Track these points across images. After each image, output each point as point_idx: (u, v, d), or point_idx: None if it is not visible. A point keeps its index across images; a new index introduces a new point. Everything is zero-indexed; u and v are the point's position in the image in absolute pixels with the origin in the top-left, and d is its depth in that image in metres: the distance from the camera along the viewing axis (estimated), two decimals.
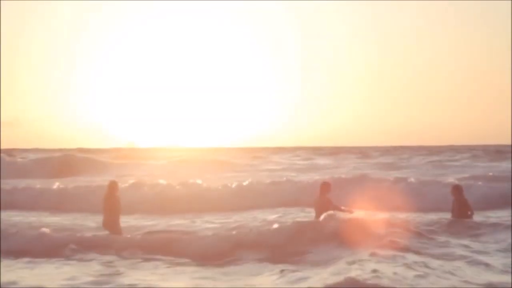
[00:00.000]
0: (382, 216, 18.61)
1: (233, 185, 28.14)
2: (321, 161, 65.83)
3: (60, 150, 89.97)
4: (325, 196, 17.03)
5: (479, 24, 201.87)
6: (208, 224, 20.23)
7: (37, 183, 31.78)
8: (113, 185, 17.06)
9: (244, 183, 28.40)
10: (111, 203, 16.83)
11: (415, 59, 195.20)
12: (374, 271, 10.17)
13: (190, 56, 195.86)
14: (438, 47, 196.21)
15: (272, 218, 21.61)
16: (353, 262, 11.22)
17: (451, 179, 29.42)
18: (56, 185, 28.75)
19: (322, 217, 15.94)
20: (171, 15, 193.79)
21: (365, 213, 19.43)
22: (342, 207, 17.24)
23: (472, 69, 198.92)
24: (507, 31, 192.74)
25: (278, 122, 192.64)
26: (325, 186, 17.22)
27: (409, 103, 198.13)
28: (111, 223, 16.72)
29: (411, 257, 11.98)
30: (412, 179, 28.82)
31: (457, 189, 17.80)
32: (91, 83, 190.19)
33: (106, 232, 16.52)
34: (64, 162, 46.61)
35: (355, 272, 10.19)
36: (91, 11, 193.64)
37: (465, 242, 14.50)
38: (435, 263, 11.69)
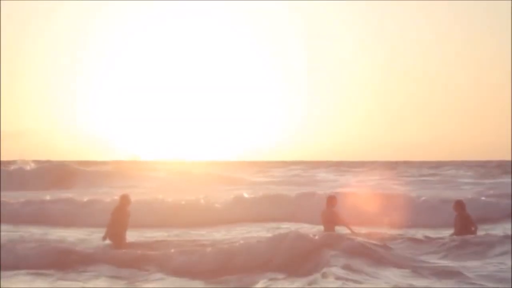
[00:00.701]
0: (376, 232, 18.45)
1: (222, 200, 27.99)
2: (322, 174, 65.59)
3: (62, 162, 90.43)
4: (332, 209, 17.41)
5: (488, 37, 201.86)
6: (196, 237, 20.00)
7: (33, 195, 31.49)
8: (124, 199, 17.18)
9: (233, 197, 28.28)
10: (120, 216, 16.87)
11: (422, 72, 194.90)
12: None
13: (195, 68, 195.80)
14: (449, 56, 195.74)
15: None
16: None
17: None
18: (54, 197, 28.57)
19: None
20: (172, 26, 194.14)
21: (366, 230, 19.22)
22: (350, 225, 17.48)
23: (480, 84, 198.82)
24: None
25: (283, 136, 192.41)
26: (332, 199, 17.64)
27: (417, 116, 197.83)
28: (116, 236, 16.71)
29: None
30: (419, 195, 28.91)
31: (459, 205, 17.81)
32: (94, 95, 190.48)
33: (108, 243, 16.59)
34: (60, 174, 46.47)
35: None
36: (91, 19, 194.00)
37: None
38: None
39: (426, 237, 16.91)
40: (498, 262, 13.66)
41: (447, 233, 18.19)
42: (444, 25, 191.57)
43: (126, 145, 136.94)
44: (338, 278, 10.81)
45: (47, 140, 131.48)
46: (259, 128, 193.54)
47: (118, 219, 16.86)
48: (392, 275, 11.73)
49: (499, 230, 21.09)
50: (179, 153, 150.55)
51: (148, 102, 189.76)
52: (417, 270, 12.30)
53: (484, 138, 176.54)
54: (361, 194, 28.36)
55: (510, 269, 12.52)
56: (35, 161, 53.35)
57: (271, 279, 12.11)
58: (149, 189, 37.54)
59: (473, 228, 17.35)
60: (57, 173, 46.51)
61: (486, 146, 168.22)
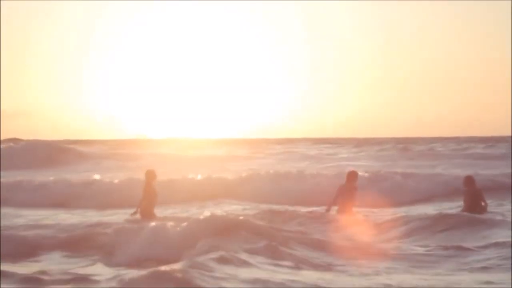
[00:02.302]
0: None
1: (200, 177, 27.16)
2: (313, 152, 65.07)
3: (67, 141, 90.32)
4: (352, 184, 17.60)
5: (483, 23, 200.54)
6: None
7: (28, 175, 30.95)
8: (149, 174, 17.66)
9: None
10: (146, 192, 17.42)
11: (420, 53, 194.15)
12: None
13: (200, 48, 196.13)
14: (445, 43, 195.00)
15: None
16: None
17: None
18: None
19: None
20: (182, 9, 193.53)
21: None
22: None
23: (474, 64, 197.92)
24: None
25: (286, 113, 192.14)
26: (352, 174, 17.82)
27: (414, 96, 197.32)
28: (147, 212, 17.26)
29: None
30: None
31: (469, 180, 17.62)
32: (100, 75, 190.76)
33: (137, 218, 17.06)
34: (47, 153, 46.01)
35: None
36: (105, 5, 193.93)
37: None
38: None
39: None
40: None
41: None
42: (446, 12, 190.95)
43: (133, 124, 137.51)
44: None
45: (53, 119, 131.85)
46: (262, 107, 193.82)
47: (144, 195, 17.44)
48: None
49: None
50: (185, 132, 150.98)
51: (154, 84, 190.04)
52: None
53: (487, 114, 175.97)
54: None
55: None
56: (37, 141, 53.22)
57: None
58: (130, 168, 36.99)
59: (483, 203, 17.15)
60: (43, 153, 45.93)
61: (491, 122, 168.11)
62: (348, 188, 17.51)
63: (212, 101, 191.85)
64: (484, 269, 10.51)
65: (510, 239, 12.28)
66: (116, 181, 26.45)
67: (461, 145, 74.97)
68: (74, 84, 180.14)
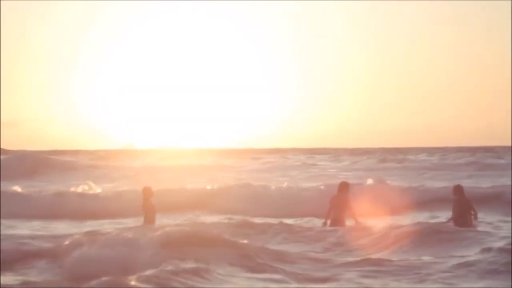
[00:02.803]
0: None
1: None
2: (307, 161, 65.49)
3: (55, 151, 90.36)
4: (345, 194, 17.57)
5: (478, 25, 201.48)
6: None
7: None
8: (146, 191, 17.63)
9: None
10: (145, 209, 17.49)
11: (413, 60, 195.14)
12: None
13: (188, 56, 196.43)
14: (437, 48, 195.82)
15: None
16: None
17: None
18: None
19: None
20: (169, 15, 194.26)
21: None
22: (357, 216, 17.58)
23: (470, 70, 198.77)
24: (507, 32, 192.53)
25: (277, 123, 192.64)
26: (344, 185, 17.77)
27: (408, 104, 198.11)
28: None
29: None
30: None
31: (458, 189, 17.63)
32: (89, 84, 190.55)
33: None
34: (30, 164, 46.17)
35: None
36: (90, 11, 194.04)
37: None
38: None
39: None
40: None
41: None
42: (439, 14, 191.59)
43: (122, 134, 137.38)
44: None
45: (40, 129, 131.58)
46: (251, 116, 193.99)
47: (143, 211, 17.56)
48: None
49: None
50: (173, 141, 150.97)
51: (141, 92, 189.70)
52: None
53: (479, 123, 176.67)
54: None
55: None
56: (22, 151, 53.32)
57: None
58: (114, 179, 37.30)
59: (472, 213, 17.28)
60: (29, 164, 46.11)
61: (482, 132, 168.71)
62: (340, 199, 17.53)
63: (201, 110, 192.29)
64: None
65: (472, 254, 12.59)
66: (97, 192, 26.99)
67: (446, 155, 75.65)
68: (62, 94, 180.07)
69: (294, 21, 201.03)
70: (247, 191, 26.74)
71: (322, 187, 26.66)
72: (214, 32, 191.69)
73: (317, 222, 18.63)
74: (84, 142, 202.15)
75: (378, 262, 12.04)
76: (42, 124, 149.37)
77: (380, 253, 13.88)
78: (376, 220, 19.73)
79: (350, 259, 12.64)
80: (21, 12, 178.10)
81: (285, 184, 29.15)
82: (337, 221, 17.27)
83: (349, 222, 17.59)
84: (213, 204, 25.28)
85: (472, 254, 12.47)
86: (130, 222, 20.64)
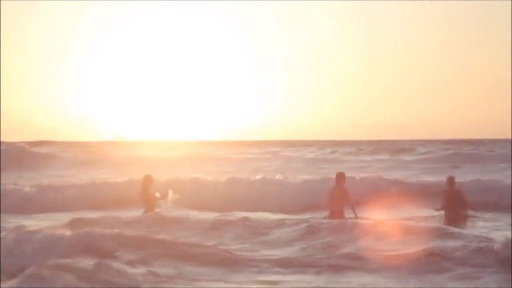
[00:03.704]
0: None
1: None
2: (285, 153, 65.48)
3: (43, 142, 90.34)
4: (341, 186, 17.53)
5: (465, 20, 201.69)
6: None
7: None
8: (145, 180, 17.93)
9: None
10: (144, 198, 17.84)
11: (403, 54, 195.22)
12: None
13: (176, 49, 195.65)
14: (426, 43, 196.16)
15: None
16: None
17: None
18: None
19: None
20: (156, 9, 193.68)
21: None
22: (355, 208, 17.47)
23: (458, 64, 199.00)
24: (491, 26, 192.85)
25: (266, 115, 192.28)
26: (341, 176, 17.72)
27: (397, 97, 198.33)
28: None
29: None
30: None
31: (449, 180, 18.00)
32: (78, 76, 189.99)
33: None
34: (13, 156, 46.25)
35: None
36: (82, 6, 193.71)
37: None
38: None
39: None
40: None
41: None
42: (426, 9, 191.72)
43: (111, 125, 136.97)
44: None
45: (26, 119, 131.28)
46: (240, 108, 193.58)
47: (143, 201, 17.91)
48: None
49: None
50: (163, 133, 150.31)
51: (130, 84, 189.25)
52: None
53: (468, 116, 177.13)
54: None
55: None
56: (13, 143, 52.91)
57: None
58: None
59: (462, 213, 17.50)
60: (11, 155, 45.67)
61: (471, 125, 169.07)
62: (338, 190, 17.49)
63: (191, 102, 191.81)
64: None
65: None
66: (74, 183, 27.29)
67: (427, 148, 75.77)
68: (49, 84, 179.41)
69: (283, 15, 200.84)
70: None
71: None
72: (202, 24, 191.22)
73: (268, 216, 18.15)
74: (71, 133, 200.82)
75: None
76: (26, 115, 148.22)
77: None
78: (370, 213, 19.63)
79: (266, 252, 12.70)
80: (12, 5, 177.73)
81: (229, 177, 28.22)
82: (335, 213, 17.22)
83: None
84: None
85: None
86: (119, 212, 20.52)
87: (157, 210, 17.88)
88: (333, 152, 69.97)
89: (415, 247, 12.08)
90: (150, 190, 17.94)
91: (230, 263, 11.61)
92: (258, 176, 27.38)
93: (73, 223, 16.35)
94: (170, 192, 18.23)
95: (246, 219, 16.20)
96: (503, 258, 11.08)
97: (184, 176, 27.75)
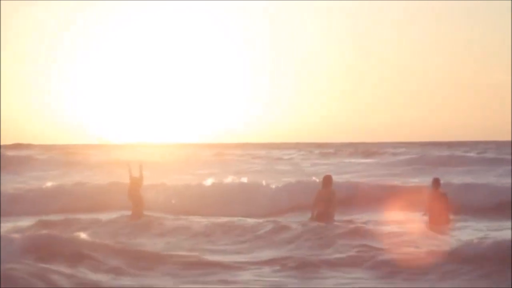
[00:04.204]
0: None
1: None
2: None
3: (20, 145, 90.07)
4: (329, 188, 17.60)
5: (453, 19, 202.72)
6: None
7: None
8: (133, 181, 18.38)
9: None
10: (132, 197, 18.34)
11: (390, 56, 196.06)
12: None
13: (159, 53, 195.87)
14: (412, 45, 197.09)
15: None
16: None
17: None
18: None
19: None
20: (139, 13, 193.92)
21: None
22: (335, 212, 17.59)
23: (445, 66, 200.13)
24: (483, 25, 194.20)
25: (249, 117, 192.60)
26: (328, 179, 17.80)
27: (383, 99, 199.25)
28: (138, 215, 18.07)
29: None
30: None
31: (434, 182, 17.82)
32: (63, 79, 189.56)
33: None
34: None
35: None
36: (70, 9, 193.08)
37: None
38: None
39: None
40: None
41: None
42: (417, 9, 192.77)
43: (95, 128, 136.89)
44: None
45: (8, 121, 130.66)
46: (223, 111, 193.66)
47: (132, 200, 18.43)
48: None
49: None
50: (145, 136, 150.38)
51: (113, 88, 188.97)
52: None
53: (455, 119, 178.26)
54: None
55: None
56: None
57: None
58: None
59: (445, 216, 17.23)
60: None
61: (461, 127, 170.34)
62: (325, 193, 17.51)
63: (174, 105, 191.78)
64: None
65: None
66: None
67: (410, 149, 76.26)
68: (28, 87, 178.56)
69: (269, 15, 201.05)
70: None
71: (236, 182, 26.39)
72: (185, 29, 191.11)
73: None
74: (55, 136, 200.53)
75: None
76: (8, 117, 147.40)
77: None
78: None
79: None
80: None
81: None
82: (323, 215, 17.21)
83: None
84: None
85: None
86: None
87: (145, 213, 18.36)
88: (310, 153, 70.19)
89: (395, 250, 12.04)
90: (140, 192, 18.39)
91: (199, 267, 11.40)
92: (241, 179, 27.21)
93: (36, 226, 16.31)
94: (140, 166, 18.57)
95: (223, 223, 16.18)
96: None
97: (164, 180, 27.50)
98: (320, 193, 17.58)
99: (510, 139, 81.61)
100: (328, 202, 17.35)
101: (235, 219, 18.10)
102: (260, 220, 17.25)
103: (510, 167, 37.79)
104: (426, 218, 17.58)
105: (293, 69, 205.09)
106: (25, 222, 18.55)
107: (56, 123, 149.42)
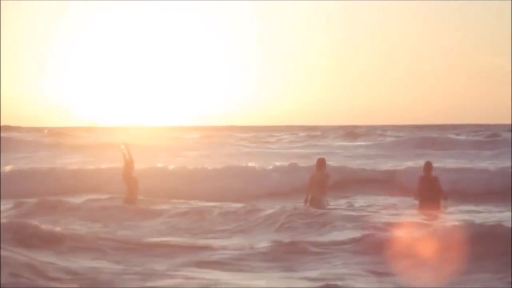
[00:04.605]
0: None
1: None
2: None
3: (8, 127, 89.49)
4: (323, 171, 17.58)
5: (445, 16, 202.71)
6: None
7: None
8: (126, 164, 18.36)
9: None
10: (126, 181, 18.28)
11: (378, 42, 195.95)
12: None
13: (151, 37, 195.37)
14: (403, 27, 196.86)
15: None
16: None
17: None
18: None
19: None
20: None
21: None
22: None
23: (435, 49, 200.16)
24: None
25: (240, 100, 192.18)
26: (322, 162, 17.75)
27: (373, 83, 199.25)
28: (133, 199, 18.12)
29: None
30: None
31: (426, 166, 17.52)
32: (51, 62, 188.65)
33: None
34: None
35: None
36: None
37: None
38: None
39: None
40: None
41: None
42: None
43: (85, 111, 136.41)
44: None
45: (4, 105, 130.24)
46: (214, 94, 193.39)
47: (126, 183, 18.36)
48: None
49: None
50: (137, 119, 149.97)
51: (104, 71, 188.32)
52: None
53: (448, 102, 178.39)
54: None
55: None
56: None
57: None
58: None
59: (436, 201, 17.00)
60: None
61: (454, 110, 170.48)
62: (319, 175, 17.45)
63: (165, 89, 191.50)
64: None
65: None
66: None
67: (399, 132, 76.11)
68: (22, 70, 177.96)
69: (259, 4, 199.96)
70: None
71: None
72: (177, 14, 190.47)
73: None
74: (44, 119, 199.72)
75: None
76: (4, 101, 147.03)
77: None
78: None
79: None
80: None
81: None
82: (317, 199, 17.18)
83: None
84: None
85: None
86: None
87: (139, 197, 18.33)
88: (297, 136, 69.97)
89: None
90: (133, 173, 18.33)
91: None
92: (230, 163, 27.04)
93: (14, 208, 16.27)
94: (122, 146, 18.73)
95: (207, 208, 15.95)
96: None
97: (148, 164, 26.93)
98: (314, 175, 17.51)
99: (501, 122, 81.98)
100: (320, 185, 17.27)
101: (226, 203, 17.92)
102: (248, 205, 17.05)
103: (501, 150, 37.91)
104: (417, 202, 17.41)
105: (280, 52, 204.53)
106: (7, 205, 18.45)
107: (45, 105, 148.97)
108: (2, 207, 17.47)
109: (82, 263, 9.75)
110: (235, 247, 11.67)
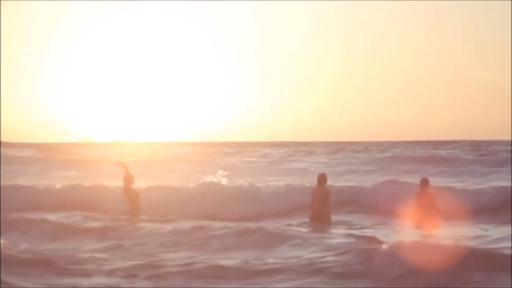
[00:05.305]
0: None
1: None
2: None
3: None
4: (323, 186, 17.60)
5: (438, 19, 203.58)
6: None
7: None
8: (126, 180, 18.88)
9: None
10: (127, 196, 18.87)
11: (377, 54, 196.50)
12: None
13: (145, 51, 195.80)
14: (401, 43, 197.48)
15: None
16: None
17: None
18: None
19: None
20: (123, 10, 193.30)
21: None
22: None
23: (432, 65, 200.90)
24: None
25: (236, 116, 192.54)
26: (323, 177, 17.74)
27: (370, 98, 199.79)
28: (134, 212, 18.58)
29: None
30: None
31: (423, 182, 17.54)
32: (47, 77, 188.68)
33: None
34: None
35: None
36: (49, 4, 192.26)
37: None
38: None
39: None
40: None
41: None
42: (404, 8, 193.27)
43: (79, 127, 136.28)
44: None
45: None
46: (210, 109, 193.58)
47: (126, 198, 18.98)
48: None
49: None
50: (131, 135, 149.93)
51: (98, 85, 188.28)
52: None
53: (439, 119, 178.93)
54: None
55: None
56: None
57: None
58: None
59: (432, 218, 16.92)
60: None
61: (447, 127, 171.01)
62: (319, 191, 17.50)
63: (160, 104, 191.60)
64: None
65: None
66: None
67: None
68: (11, 85, 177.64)
69: (256, 16, 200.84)
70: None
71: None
72: (171, 26, 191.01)
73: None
74: (39, 135, 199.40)
75: None
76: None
77: None
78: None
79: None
80: None
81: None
82: (319, 214, 17.30)
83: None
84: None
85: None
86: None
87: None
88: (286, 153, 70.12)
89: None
90: (132, 188, 18.98)
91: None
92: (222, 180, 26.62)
93: None
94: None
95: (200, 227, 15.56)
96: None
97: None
98: (315, 191, 17.57)
99: (495, 138, 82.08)
100: (322, 200, 17.30)
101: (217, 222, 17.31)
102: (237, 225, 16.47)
103: (492, 169, 37.89)
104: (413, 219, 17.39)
105: (281, 68, 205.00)
106: None
107: (38, 122, 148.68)
108: None
109: None
110: None
